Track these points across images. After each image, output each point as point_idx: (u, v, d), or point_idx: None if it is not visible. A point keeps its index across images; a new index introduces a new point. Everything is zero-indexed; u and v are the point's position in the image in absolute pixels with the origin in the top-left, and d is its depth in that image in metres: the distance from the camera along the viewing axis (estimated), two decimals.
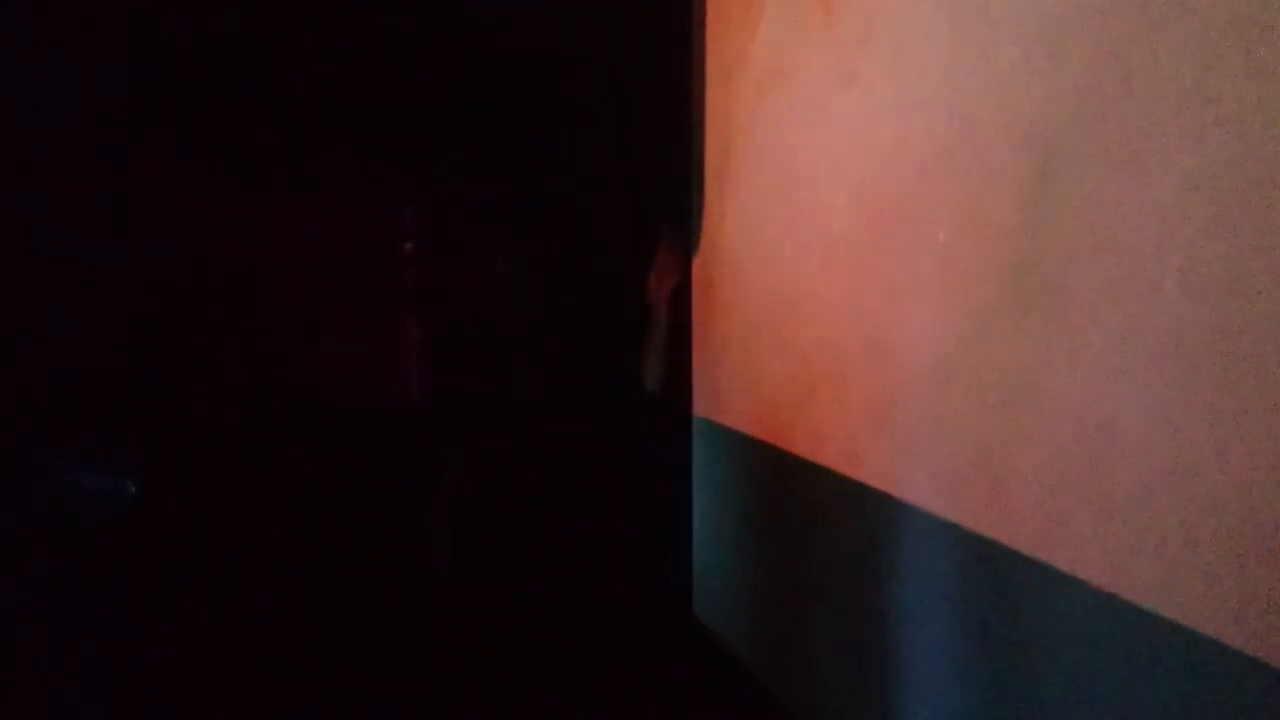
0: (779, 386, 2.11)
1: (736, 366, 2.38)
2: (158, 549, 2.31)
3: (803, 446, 1.99)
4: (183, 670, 2.27)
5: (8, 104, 2.23)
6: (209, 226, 2.39)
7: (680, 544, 2.75)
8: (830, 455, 1.85)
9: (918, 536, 1.53)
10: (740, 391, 2.36)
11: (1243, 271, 0.91)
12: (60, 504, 2.26)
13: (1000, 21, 1.29)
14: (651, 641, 2.64)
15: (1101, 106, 1.09)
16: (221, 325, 2.41)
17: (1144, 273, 1.03)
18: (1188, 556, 0.98)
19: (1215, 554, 0.94)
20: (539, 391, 2.62)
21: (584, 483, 2.62)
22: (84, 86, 2.28)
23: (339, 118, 2.48)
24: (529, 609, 2.55)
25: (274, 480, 2.41)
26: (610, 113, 2.65)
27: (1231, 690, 0.92)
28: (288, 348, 2.47)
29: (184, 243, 2.38)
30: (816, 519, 1.95)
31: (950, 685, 1.46)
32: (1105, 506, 1.10)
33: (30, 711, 2.18)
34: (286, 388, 2.45)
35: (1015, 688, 1.28)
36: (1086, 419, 1.13)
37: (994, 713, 1.34)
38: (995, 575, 1.32)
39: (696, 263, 2.69)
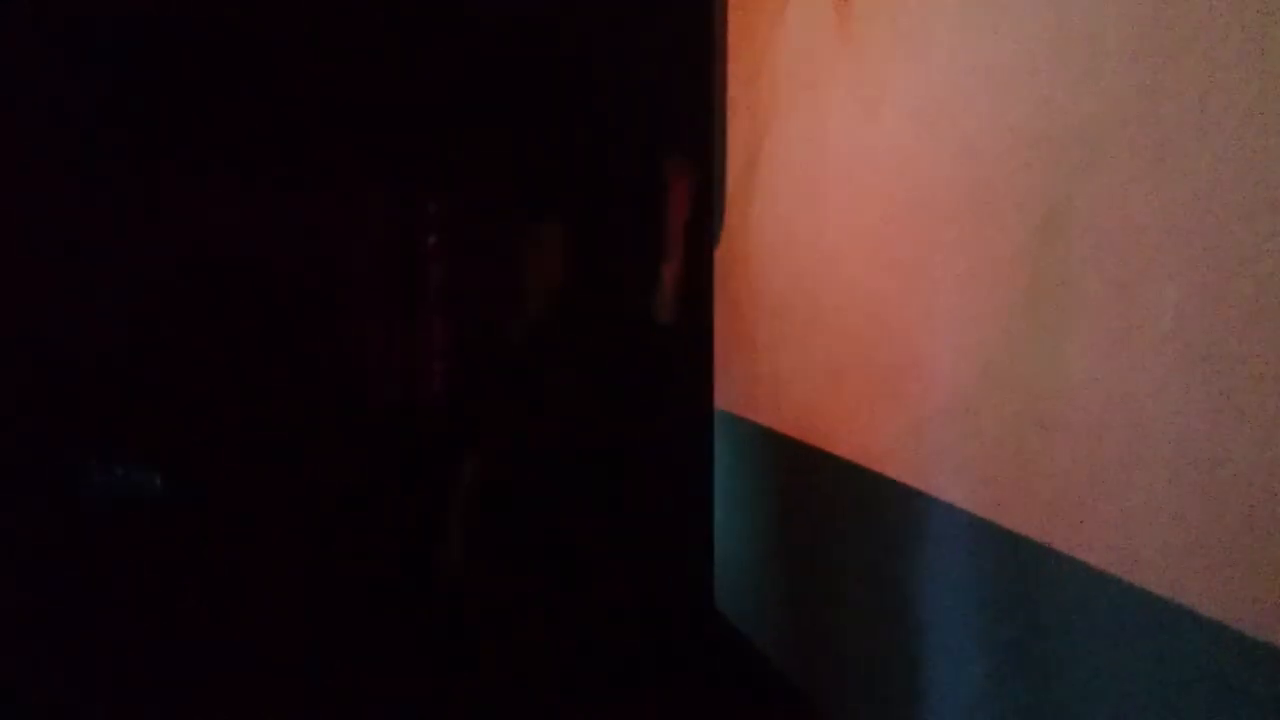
0: (803, 381, 2.11)
1: (760, 361, 2.38)
2: (181, 543, 2.33)
3: (826, 440, 1.98)
4: (203, 665, 2.29)
5: (36, 104, 2.26)
6: (233, 225, 2.42)
7: (701, 537, 2.75)
8: (854, 449, 1.85)
9: (943, 530, 1.53)
10: (763, 385, 2.36)
11: (1261, 274, 0.90)
12: (88, 498, 2.29)
13: (1022, 29, 1.28)
14: (672, 634, 2.64)
15: (1123, 114, 1.09)
16: (245, 322, 2.43)
17: (1168, 273, 1.02)
18: (1219, 552, 0.97)
19: (1247, 550, 0.94)
20: (560, 385, 2.62)
21: (605, 475, 2.62)
22: (107, 88, 2.31)
23: (363, 115, 2.50)
24: (550, 602, 2.55)
25: (295, 475, 2.43)
26: (633, 110, 2.65)
27: (1264, 686, 0.92)
28: (311, 344, 2.49)
29: (210, 241, 2.40)
30: (838, 512, 1.95)
31: (975, 680, 1.46)
32: (1134, 502, 1.09)
33: (61, 704, 2.21)
34: (309, 384, 2.47)
35: (1043, 682, 1.28)
36: (1114, 414, 1.12)
37: (1021, 708, 1.34)
38: (1022, 570, 1.32)
39: (719, 258, 2.69)
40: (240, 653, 2.32)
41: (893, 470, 1.69)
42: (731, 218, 2.59)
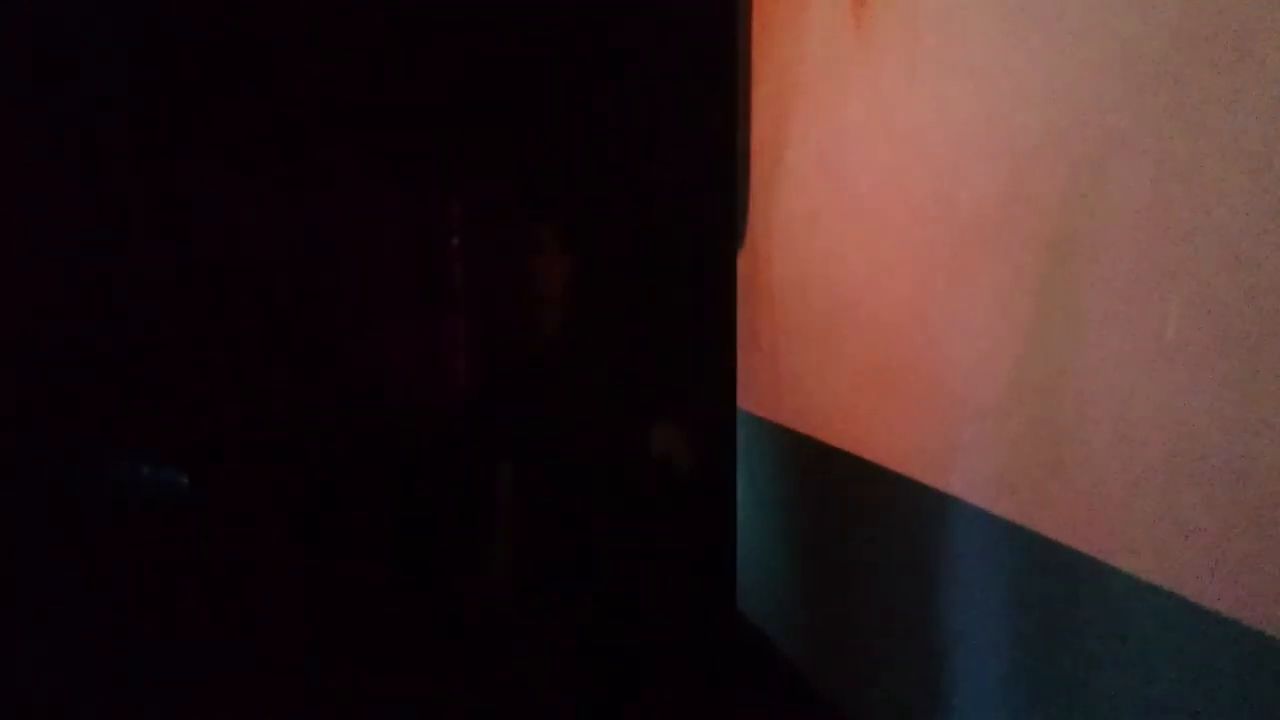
0: (826, 382, 2.11)
1: (782, 362, 2.38)
2: (203, 544, 2.35)
3: (849, 442, 1.98)
4: (225, 666, 2.31)
5: (63, 98, 2.28)
6: (258, 224, 2.44)
7: (724, 537, 2.75)
8: (878, 451, 1.85)
9: (967, 533, 1.52)
10: (786, 387, 2.36)
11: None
12: (114, 496, 2.32)
13: (1045, 37, 1.28)
14: (694, 634, 2.64)
15: (1148, 119, 1.08)
16: (271, 322, 2.45)
17: (1196, 274, 1.02)
18: (1251, 559, 0.97)
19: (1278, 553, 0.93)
20: (583, 386, 2.63)
21: (628, 475, 2.63)
22: (129, 88, 2.33)
23: (386, 115, 2.51)
24: (571, 601, 2.56)
25: (317, 476, 2.44)
26: (654, 111, 2.66)
27: None
28: (336, 345, 2.51)
29: (236, 240, 2.42)
30: (862, 514, 1.94)
31: (999, 684, 1.45)
32: (1164, 507, 1.08)
33: (86, 703, 2.23)
34: (334, 385, 2.49)
35: (1068, 688, 1.27)
36: (1146, 419, 1.11)
37: (1047, 712, 1.33)
38: (1048, 574, 1.31)
39: (742, 259, 2.69)
40: (267, 654, 2.34)
41: (917, 472, 1.69)
42: (754, 220, 2.59)
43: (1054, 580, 1.29)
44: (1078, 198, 1.23)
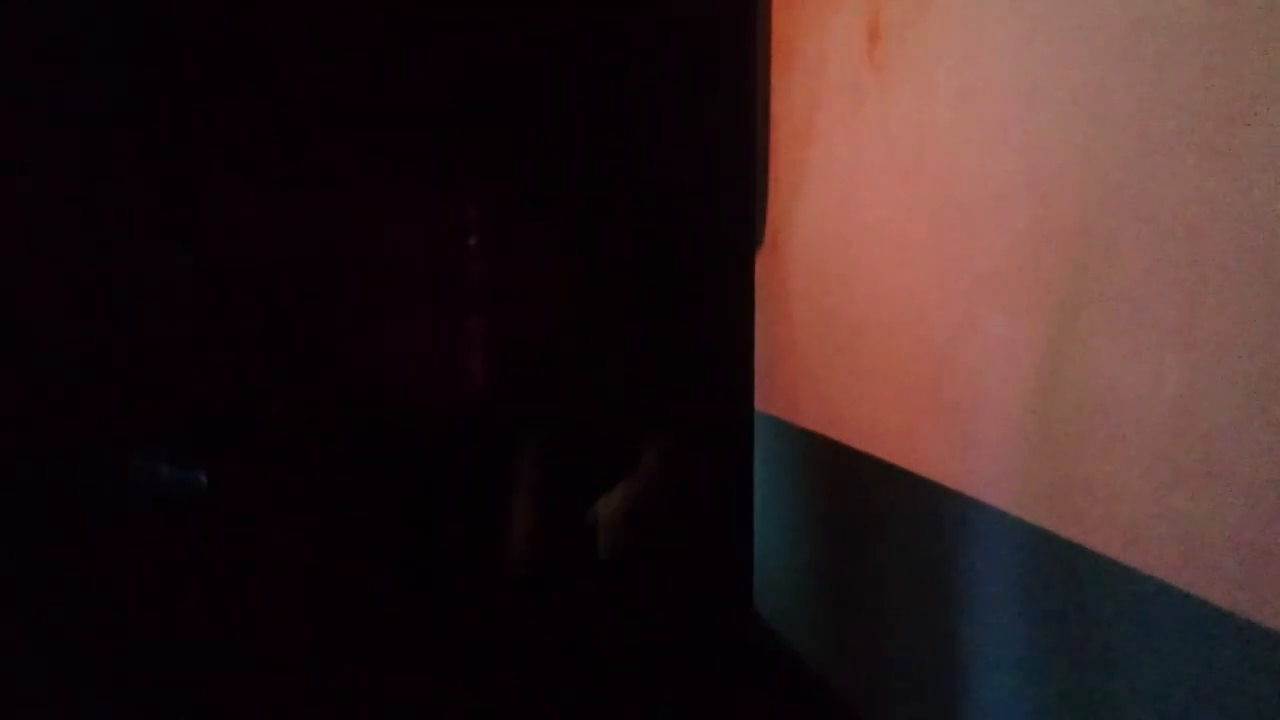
0: (844, 383, 2.10)
1: (800, 362, 2.38)
2: (219, 543, 2.36)
3: (868, 443, 1.97)
4: (238, 664, 2.32)
5: (68, 99, 2.30)
6: (266, 224, 2.45)
7: (741, 538, 2.74)
8: (896, 452, 1.84)
9: (988, 534, 1.51)
10: (804, 388, 2.35)
11: None
12: (133, 495, 2.33)
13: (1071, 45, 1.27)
14: (711, 635, 2.63)
15: (1176, 116, 1.08)
16: (287, 321, 2.46)
17: (1219, 274, 1.01)
18: (1272, 558, 0.96)
19: None
20: (601, 387, 2.63)
21: (644, 474, 2.63)
22: (136, 88, 2.34)
23: (400, 114, 2.52)
24: (586, 601, 2.56)
25: (336, 474, 2.45)
26: (672, 108, 2.66)
27: None
28: (353, 343, 2.52)
29: (250, 239, 2.44)
30: (880, 515, 1.94)
31: (1020, 687, 1.44)
32: (1191, 510, 1.08)
33: (91, 702, 2.24)
34: (343, 384, 2.50)
35: (1091, 690, 1.27)
36: (1165, 418, 1.11)
37: (1069, 717, 1.32)
38: (1071, 576, 1.30)
39: (761, 259, 2.69)
40: (275, 654, 2.35)
41: (936, 474, 1.68)
42: (773, 221, 2.59)
43: (1077, 584, 1.29)
44: (1100, 206, 1.23)
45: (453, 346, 2.62)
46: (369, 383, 2.53)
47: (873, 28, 1.91)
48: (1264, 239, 0.97)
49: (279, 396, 2.44)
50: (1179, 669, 1.09)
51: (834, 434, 2.16)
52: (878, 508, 1.95)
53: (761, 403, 2.68)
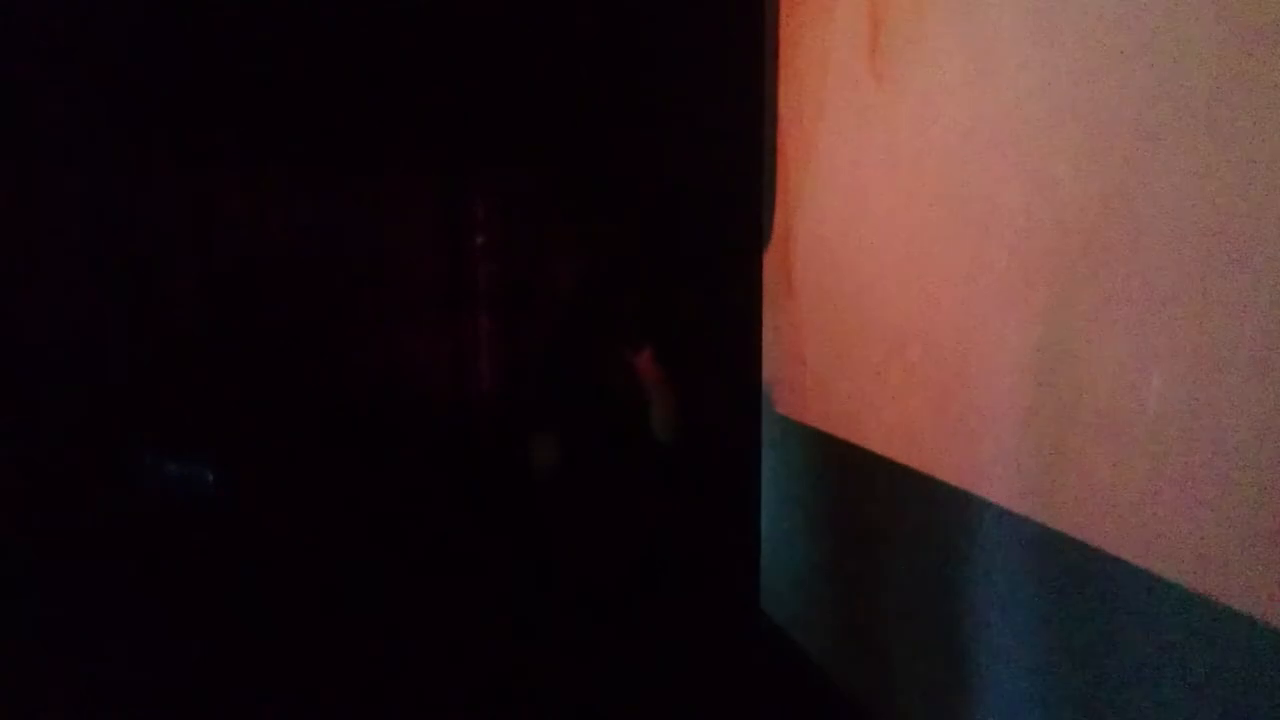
0: (851, 382, 2.10)
1: (807, 361, 2.37)
2: (235, 541, 2.37)
3: (874, 441, 1.97)
4: (261, 661, 2.32)
5: (82, 99, 2.31)
6: (282, 222, 2.46)
7: (748, 537, 2.74)
8: (904, 451, 1.83)
9: (995, 534, 1.51)
10: (813, 387, 2.35)
11: None
12: (141, 493, 2.34)
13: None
14: (718, 635, 2.63)
15: (1186, 111, 1.07)
16: (296, 319, 2.47)
17: (1229, 270, 1.01)
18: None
19: None
20: (607, 387, 2.63)
21: (652, 477, 2.63)
22: (148, 86, 2.35)
23: (410, 112, 2.52)
24: (593, 601, 2.56)
25: (347, 473, 2.46)
26: (679, 107, 2.65)
27: None
28: (362, 342, 2.53)
29: (259, 239, 2.44)
30: (887, 515, 1.93)
31: (1028, 688, 1.44)
32: (1201, 509, 1.07)
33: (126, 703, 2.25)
34: (360, 381, 2.50)
35: (1101, 693, 1.26)
36: (1178, 420, 1.10)
37: (1075, 716, 1.32)
38: (1079, 576, 1.30)
39: (768, 257, 2.69)
40: (284, 653, 2.35)
41: (943, 473, 1.67)
42: (780, 221, 2.58)
43: (1086, 584, 1.28)
44: (1107, 207, 1.22)
45: (461, 345, 2.63)
46: (378, 381, 2.54)
47: (873, 28, 1.91)
48: (1272, 240, 0.96)
49: (287, 395, 2.44)
50: (1188, 670, 1.08)
51: (841, 433, 2.15)
52: (885, 507, 1.94)
53: (769, 402, 2.67)
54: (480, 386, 2.63)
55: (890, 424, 1.90)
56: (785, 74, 2.55)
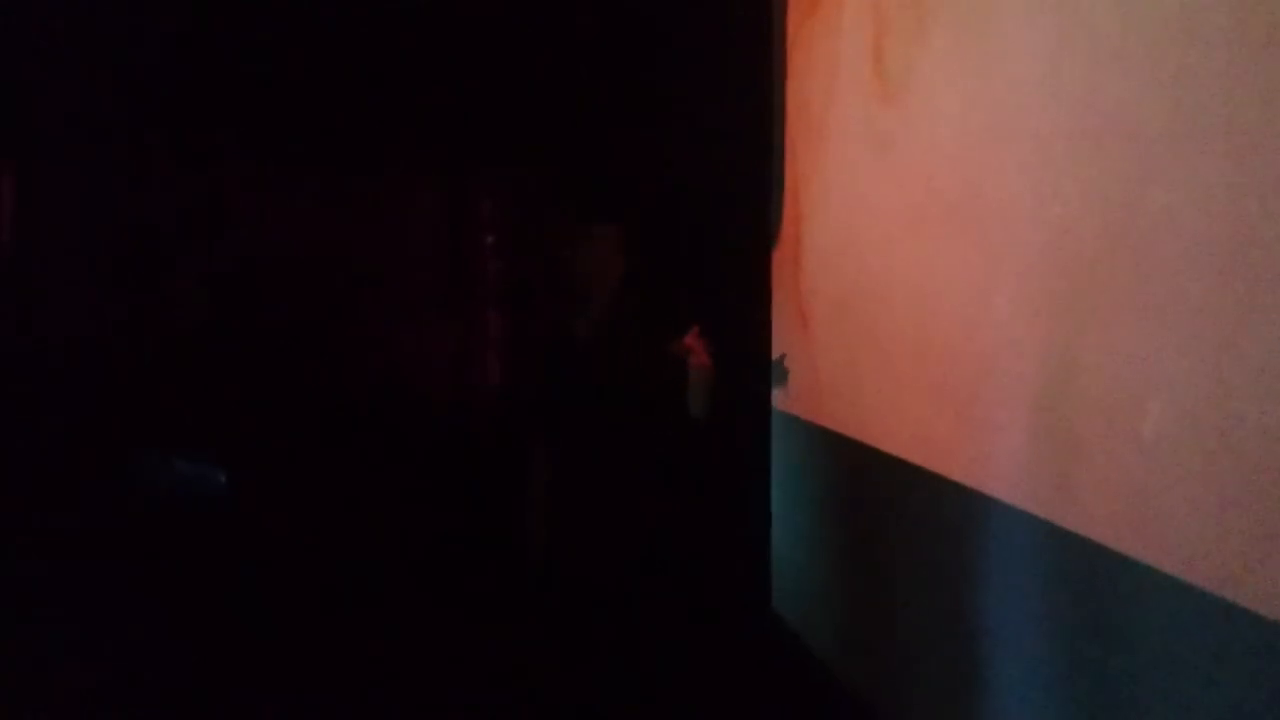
0: (862, 382, 2.09)
1: (817, 361, 2.37)
2: (238, 540, 2.37)
3: (885, 441, 1.97)
4: (266, 658, 2.32)
5: (86, 106, 2.31)
6: (285, 222, 2.46)
7: (759, 537, 2.73)
8: (914, 450, 1.83)
9: (1006, 533, 1.51)
10: (822, 386, 2.34)
11: None
12: (150, 493, 2.35)
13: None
14: (729, 635, 2.63)
15: (1202, 109, 1.07)
16: (303, 318, 2.47)
17: (1239, 277, 1.01)
18: None
19: None
20: (617, 386, 2.63)
21: (662, 474, 2.62)
22: (155, 87, 2.35)
23: (417, 111, 2.52)
24: (604, 600, 2.56)
25: (350, 472, 2.45)
26: (689, 102, 2.65)
27: None
28: (369, 341, 2.52)
29: (263, 238, 2.44)
30: (898, 514, 1.93)
31: (1039, 687, 1.43)
32: (1203, 504, 1.07)
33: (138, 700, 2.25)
34: (367, 380, 2.50)
35: (1110, 690, 1.26)
36: (1183, 416, 1.10)
37: (1085, 714, 1.32)
38: (1090, 574, 1.29)
39: (776, 260, 2.68)
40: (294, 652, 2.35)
41: (954, 472, 1.67)
42: (789, 219, 2.58)
43: (1097, 582, 1.28)
44: (1125, 192, 1.22)
45: (466, 345, 2.62)
46: (386, 380, 2.54)
47: (877, 45, 1.91)
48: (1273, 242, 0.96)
49: (291, 395, 2.44)
50: (1200, 669, 1.08)
51: (851, 432, 2.15)
52: (896, 506, 1.94)
53: (779, 401, 2.67)
54: (485, 385, 2.62)
55: (900, 422, 1.89)
56: (793, 74, 2.55)
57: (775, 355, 2.70)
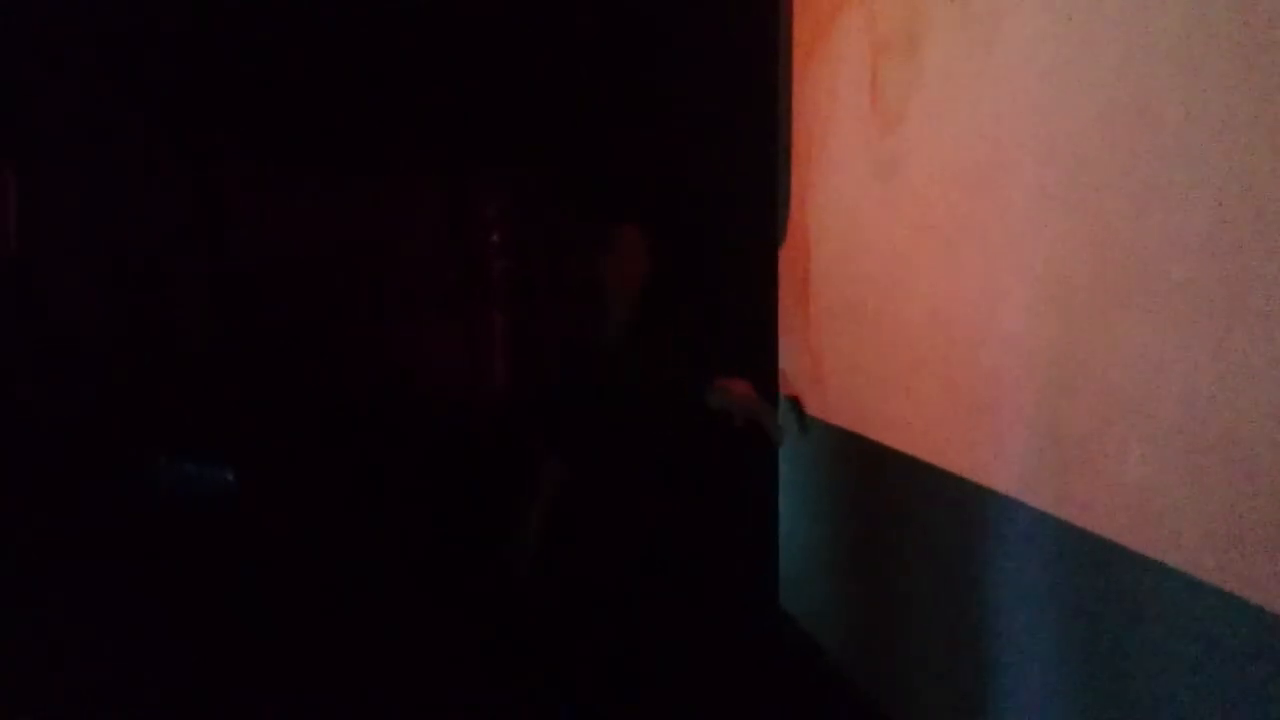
0: (870, 377, 2.08)
1: (824, 357, 2.36)
2: (241, 541, 2.37)
3: (892, 436, 1.95)
4: (272, 661, 2.33)
5: (90, 104, 2.32)
6: (296, 223, 2.46)
7: (767, 536, 2.72)
8: (923, 446, 1.82)
9: (1017, 530, 1.49)
10: (829, 382, 2.33)
11: None
12: (162, 493, 2.35)
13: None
14: (736, 632, 2.62)
15: (1218, 103, 1.05)
16: (308, 319, 2.47)
17: (1249, 273, 0.99)
18: None
19: None
20: (623, 385, 2.62)
21: (668, 474, 2.61)
22: (161, 87, 2.36)
23: (422, 110, 2.52)
24: (611, 599, 2.56)
25: (357, 471, 2.46)
26: (699, 107, 2.64)
27: None
28: (375, 341, 2.53)
29: (266, 239, 2.45)
30: (907, 511, 1.91)
31: (1050, 686, 1.42)
32: (1216, 501, 1.05)
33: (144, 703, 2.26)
34: (373, 381, 2.51)
35: (1121, 688, 1.24)
36: (1195, 411, 1.08)
37: (1098, 715, 1.30)
38: (1094, 568, 1.28)
39: (783, 255, 2.67)
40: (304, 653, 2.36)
41: (963, 469, 1.65)
42: (795, 215, 2.57)
43: (1107, 580, 1.26)
44: (1138, 188, 1.20)
45: (473, 344, 2.62)
46: (393, 381, 2.54)
47: (874, 65, 1.91)
48: None
49: (305, 395, 2.45)
50: (1212, 666, 1.06)
51: (859, 429, 2.14)
52: (904, 503, 1.92)
53: (783, 396, 2.66)
54: (487, 385, 2.62)
55: (908, 419, 1.88)
56: (799, 69, 2.54)
57: (782, 351, 2.68)
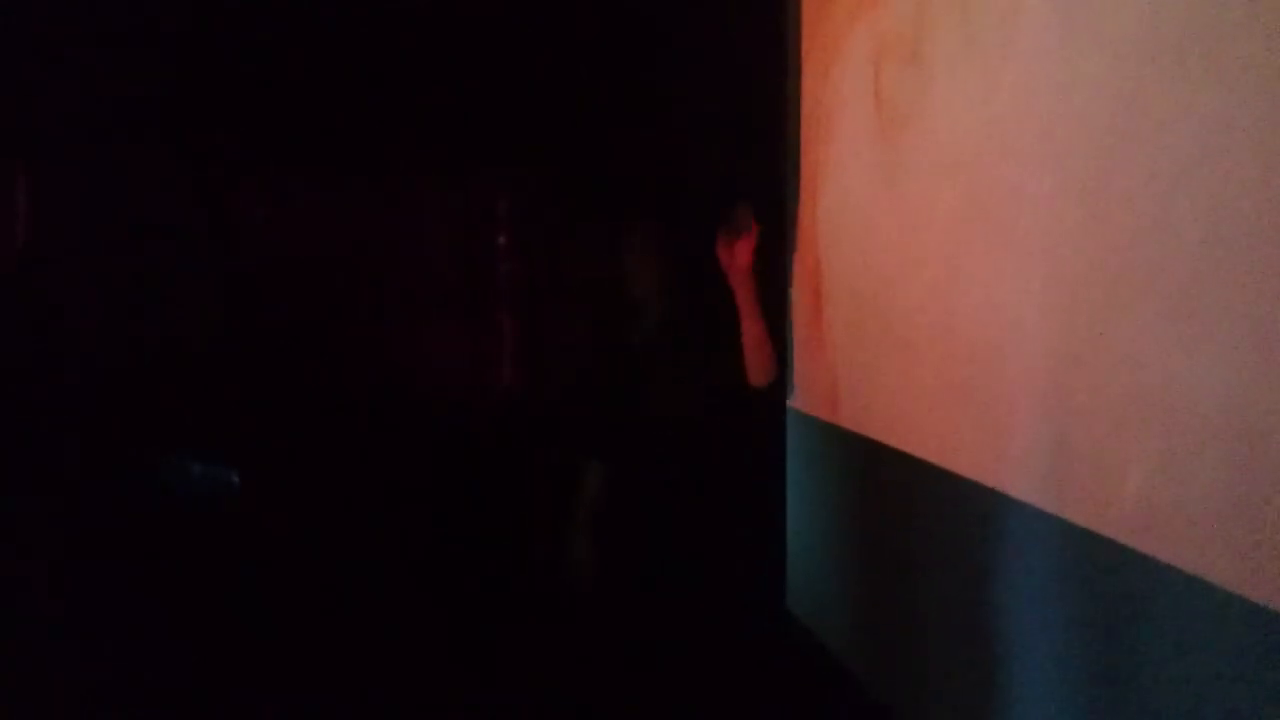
0: (878, 380, 2.07)
1: (833, 359, 2.35)
2: (242, 541, 2.37)
3: (902, 440, 1.94)
4: (278, 664, 2.33)
5: (92, 101, 2.32)
6: (298, 223, 2.46)
7: (774, 536, 2.72)
8: (931, 449, 1.80)
9: (1024, 533, 1.48)
10: (838, 385, 2.32)
11: None
12: (166, 495, 2.36)
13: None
14: (744, 634, 2.61)
15: (1230, 109, 1.03)
16: (314, 320, 2.47)
17: (1259, 273, 0.96)
18: None
19: None
20: (632, 386, 2.61)
21: (676, 472, 2.61)
22: (161, 87, 2.36)
23: (426, 108, 2.51)
24: (618, 598, 2.55)
25: (358, 472, 2.45)
26: (704, 104, 2.63)
27: None
28: (381, 343, 2.52)
29: (278, 239, 2.45)
30: (915, 513, 1.90)
31: (1059, 689, 1.40)
32: (1229, 505, 1.03)
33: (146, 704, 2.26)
34: (381, 383, 2.50)
35: (1130, 693, 1.22)
36: (1207, 416, 1.06)
37: (1103, 715, 1.28)
38: (1103, 570, 1.26)
39: (794, 259, 2.66)
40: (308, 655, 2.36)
41: (971, 471, 1.64)
42: (804, 219, 2.55)
43: (1116, 583, 1.24)
44: (1150, 190, 1.18)
45: (478, 345, 2.62)
46: (399, 383, 2.53)
47: (876, 70, 1.90)
48: None
49: (310, 396, 2.45)
50: (1224, 671, 1.05)
51: (867, 431, 2.13)
52: (911, 505, 1.91)
53: (793, 400, 2.65)
54: (491, 386, 2.61)
55: (916, 421, 1.87)
56: (808, 70, 2.52)
57: (793, 355, 2.66)
